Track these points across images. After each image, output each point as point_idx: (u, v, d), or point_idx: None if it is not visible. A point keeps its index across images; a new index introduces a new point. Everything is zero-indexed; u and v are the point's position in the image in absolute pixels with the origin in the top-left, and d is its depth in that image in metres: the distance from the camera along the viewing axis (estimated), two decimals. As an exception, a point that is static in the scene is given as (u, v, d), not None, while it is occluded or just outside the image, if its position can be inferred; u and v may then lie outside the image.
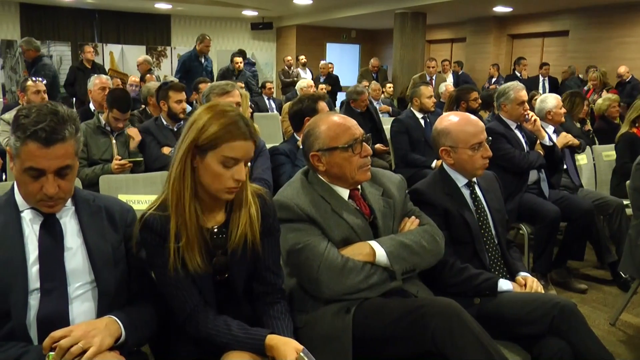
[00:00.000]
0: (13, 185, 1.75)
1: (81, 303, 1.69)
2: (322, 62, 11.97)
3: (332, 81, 11.29)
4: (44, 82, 5.09)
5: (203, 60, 7.67)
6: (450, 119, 2.53)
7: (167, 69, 14.13)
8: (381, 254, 2.02)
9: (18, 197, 1.72)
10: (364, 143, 2.11)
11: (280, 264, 1.97)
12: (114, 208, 1.86)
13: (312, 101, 3.45)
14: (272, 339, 1.69)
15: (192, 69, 7.14)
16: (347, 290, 1.96)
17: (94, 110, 5.12)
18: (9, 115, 4.73)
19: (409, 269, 2.08)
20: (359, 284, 1.97)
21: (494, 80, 11.31)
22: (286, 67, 12.16)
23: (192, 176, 1.72)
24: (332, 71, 12.00)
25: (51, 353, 1.51)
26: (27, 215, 1.71)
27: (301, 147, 2.26)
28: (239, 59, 8.70)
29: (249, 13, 14.86)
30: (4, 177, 4.37)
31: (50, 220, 1.72)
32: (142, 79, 7.58)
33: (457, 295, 2.06)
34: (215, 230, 1.78)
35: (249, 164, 1.78)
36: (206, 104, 1.77)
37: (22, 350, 1.55)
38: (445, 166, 2.56)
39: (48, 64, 7.69)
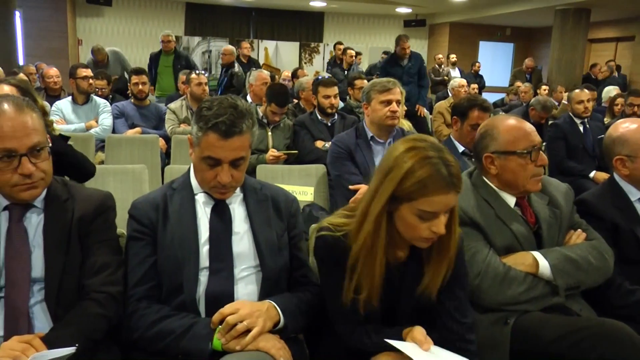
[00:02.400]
0: (189, 169, 1.89)
1: (245, 285, 1.79)
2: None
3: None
4: (206, 74, 5.42)
5: (405, 62, 6.98)
6: (627, 126, 2.33)
7: (318, 65, 14.53)
8: (545, 266, 1.92)
9: (193, 180, 1.86)
10: (540, 151, 2.02)
11: (468, 308, 1.78)
12: (279, 197, 1.93)
13: (468, 105, 3.28)
14: (405, 333, 1.66)
15: (390, 73, 6.85)
16: (507, 300, 1.89)
17: (250, 102, 5.35)
18: (175, 105, 5.12)
19: (573, 285, 1.96)
20: (519, 295, 1.89)
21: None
22: (437, 66, 11.96)
23: (387, 224, 1.61)
24: (478, 70, 11.63)
25: (219, 327, 1.62)
26: (200, 198, 1.85)
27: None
28: (352, 52, 8.57)
29: (402, 10, 14.78)
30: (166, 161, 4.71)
31: (221, 205, 1.84)
32: (229, 69, 7.79)
33: (623, 319, 1.89)
34: (396, 267, 1.72)
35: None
36: (407, 143, 1.60)
37: (192, 321, 1.67)
38: (616, 177, 2.36)
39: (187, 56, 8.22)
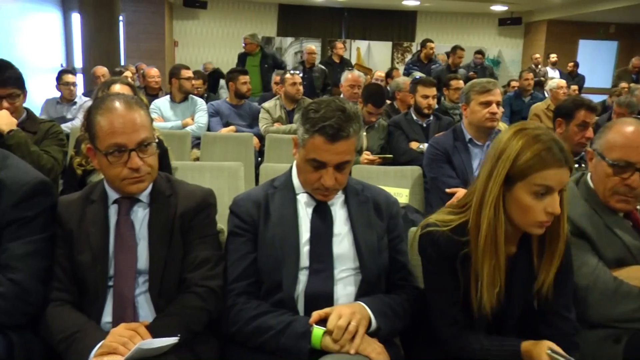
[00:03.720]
0: (291, 168, 1.91)
1: (344, 286, 1.78)
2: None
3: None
4: (300, 74, 5.48)
5: (527, 99, 7.19)
6: None
7: (411, 65, 14.33)
8: None
9: (295, 180, 1.87)
10: (638, 173, 1.85)
11: (572, 304, 1.73)
12: (380, 199, 1.91)
13: (574, 106, 3.12)
14: (527, 344, 1.59)
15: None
16: (618, 317, 1.77)
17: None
18: (269, 104, 5.21)
19: (698, 305, 1.79)
20: (633, 312, 1.76)
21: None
22: (533, 65, 11.52)
23: (504, 212, 1.58)
24: (574, 70, 11.13)
25: (316, 327, 1.62)
26: (301, 198, 1.86)
27: None
28: (462, 52, 8.30)
29: (497, 8, 14.35)
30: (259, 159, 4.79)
31: (323, 207, 1.84)
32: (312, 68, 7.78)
33: None
34: (506, 260, 1.65)
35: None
36: (515, 127, 1.60)
37: (291, 318, 1.68)
38: None
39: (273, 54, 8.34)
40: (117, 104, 1.70)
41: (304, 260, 1.76)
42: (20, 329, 1.67)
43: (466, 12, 15.17)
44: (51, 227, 1.77)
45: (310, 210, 1.83)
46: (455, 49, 8.20)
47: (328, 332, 1.59)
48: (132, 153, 1.68)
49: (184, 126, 4.98)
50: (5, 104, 2.90)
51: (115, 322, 1.67)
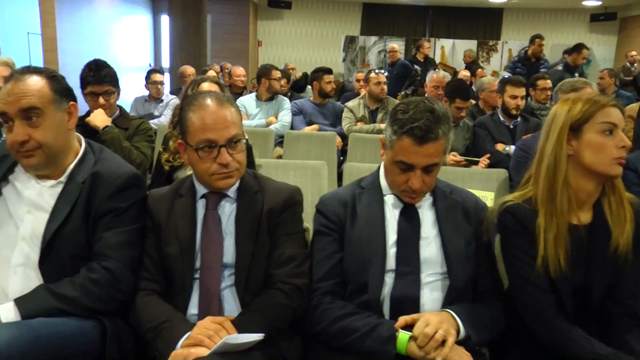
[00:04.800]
0: (379, 168, 1.88)
1: (431, 291, 1.73)
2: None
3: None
4: (385, 74, 5.43)
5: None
6: None
7: (496, 64, 13.83)
8: None
9: (383, 181, 1.85)
10: None
11: None
12: (468, 203, 1.85)
13: None
14: None
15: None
16: None
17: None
18: (352, 104, 5.21)
19: None
20: None
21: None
22: (628, 64, 10.87)
23: (566, 165, 1.64)
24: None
25: (402, 332, 1.59)
26: (388, 199, 1.83)
27: None
28: (587, 51, 7.90)
29: (589, 3, 13.69)
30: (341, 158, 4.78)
31: (410, 209, 1.80)
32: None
33: None
34: (583, 228, 1.64)
35: None
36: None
37: (377, 322, 1.65)
38: None
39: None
40: (209, 101, 1.73)
41: (391, 262, 1.73)
42: (113, 316, 1.74)
43: (555, 8, 14.53)
44: (142, 219, 1.84)
45: (397, 212, 1.80)
46: (581, 47, 7.58)
47: (413, 338, 1.56)
48: (222, 149, 1.70)
49: (268, 124, 5.04)
50: (101, 100, 3.04)
51: (201, 315, 1.70)
